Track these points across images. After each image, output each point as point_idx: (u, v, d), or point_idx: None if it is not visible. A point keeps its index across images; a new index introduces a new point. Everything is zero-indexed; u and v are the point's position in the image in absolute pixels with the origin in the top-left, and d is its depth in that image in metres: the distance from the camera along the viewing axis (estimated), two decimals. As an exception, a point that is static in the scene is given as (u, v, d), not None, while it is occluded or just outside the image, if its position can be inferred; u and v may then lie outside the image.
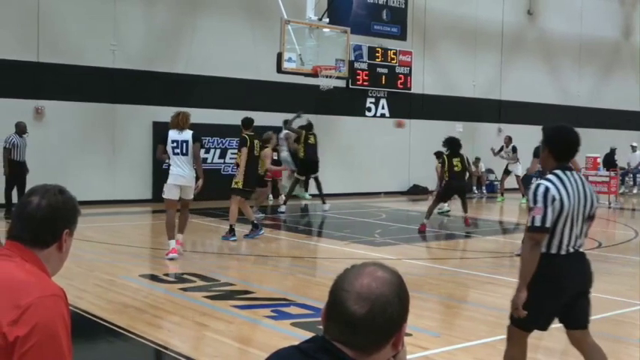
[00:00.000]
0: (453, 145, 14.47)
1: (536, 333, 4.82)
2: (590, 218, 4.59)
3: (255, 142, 12.53)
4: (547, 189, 4.37)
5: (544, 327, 4.67)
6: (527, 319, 4.47)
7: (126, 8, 17.20)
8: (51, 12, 16.12)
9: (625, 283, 9.59)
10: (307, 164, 16.75)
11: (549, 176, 4.49)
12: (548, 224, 4.35)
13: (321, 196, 16.76)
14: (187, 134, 10.32)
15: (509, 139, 21.08)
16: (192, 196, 10.52)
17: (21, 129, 14.46)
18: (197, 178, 10.42)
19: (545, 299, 4.50)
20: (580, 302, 4.61)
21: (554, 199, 4.36)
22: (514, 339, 4.71)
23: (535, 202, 4.38)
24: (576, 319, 4.65)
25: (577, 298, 4.58)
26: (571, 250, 4.50)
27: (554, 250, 4.46)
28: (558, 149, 4.58)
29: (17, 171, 14.02)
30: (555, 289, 4.50)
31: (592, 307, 4.74)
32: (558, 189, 4.39)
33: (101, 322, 6.78)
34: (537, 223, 4.36)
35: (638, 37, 30.09)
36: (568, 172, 4.49)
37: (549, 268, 4.44)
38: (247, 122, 12.65)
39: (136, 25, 17.40)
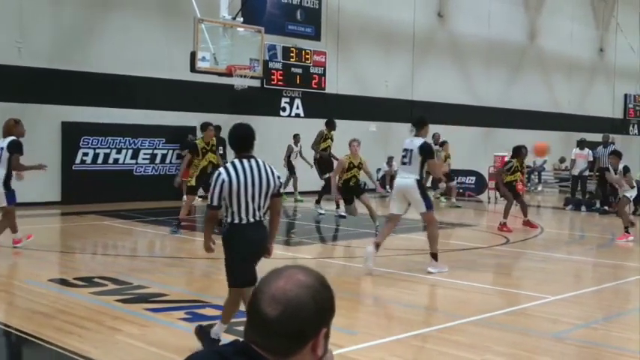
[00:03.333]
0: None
1: (448, 328, 4.91)
2: (275, 195, 5.74)
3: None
4: (219, 174, 5.58)
5: (252, 282, 5.32)
6: (235, 277, 5.72)
7: (33, 3, 16.64)
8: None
9: (532, 278, 9.93)
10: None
11: (226, 164, 5.71)
12: (215, 203, 5.58)
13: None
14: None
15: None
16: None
17: None
18: None
19: (239, 259, 5.68)
20: (255, 263, 5.73)
21: (223, 182, 5.52)
22: (233, 296, 5.84)
23: (212, 186, 5.56)
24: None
25: (257, 258, 5.73)
26: (251, 220, 5.62)
27: (236, 220, 5.60)
28: (233, 143, 5.76)
29: None
30: (241, 249, 5.67)
31: (502, 301, 4.89)
32: (229, 174, 5.53)
33: (8, 329, 6.54)
34: (209, 202, 5.64)
35: (543, 40, 31.26)
36: (245, 160, 5.61)
37: (234, 234, 5.64)
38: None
39: (43, 21, 16.85)
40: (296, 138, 20.23)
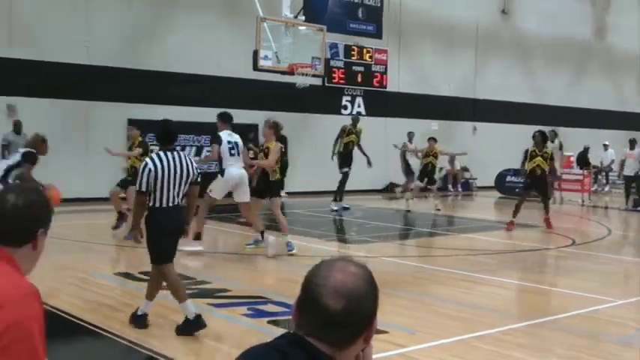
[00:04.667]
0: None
1: (511, 330, 4.84)
2: (193, 183, 6.55)
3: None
4: (146, 164, 6.43)
5: (169, 259, 6.46)
6: (156, 255, 6.45)
7: (100, 3, 17.04)
8: (23, 8, 15.93)
9: (598, 280, 9.69)
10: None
11: (152, 155, 6.57)
12: (143, 189, 6.37)
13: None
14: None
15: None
16: None
17: (17, 127, 15.05)
18: None
19: (159, 238, 6.41)
20: (175, 242, 6.54)
21: (150, 171, 6.34)
22: (155, 273, 6.55)
23: (140, 174, 6.39)
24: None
25: (175, 238, 6.51)
26: (170, 204, 6.40)
27: (157, 204, 6.37)
28: (159, 137, 6.73)
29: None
30: (162, 230, 6.40)
31: (567, 303, 4.78)
32: (155, 164, 6.38)
33: (75, 320, 6.71)
34: (137, 188, 6.46)
35: (610, 38, 30.45)
36: (168, 153, 6.47)
37: (155, 216, 6.41)
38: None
39: (110, 21, 17.24)
40: (410, 135, 20.36)
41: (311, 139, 20.31)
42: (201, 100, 18.64)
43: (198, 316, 6.35)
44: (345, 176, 16.91)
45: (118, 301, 7.55)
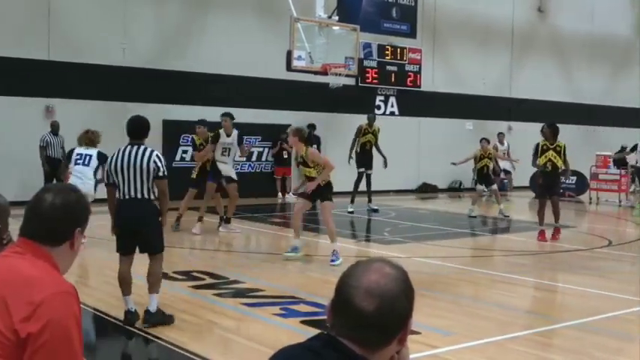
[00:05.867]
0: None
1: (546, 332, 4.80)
2: (157, 178, 6.59)
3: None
4: (106, 158, 6.98)
5: (119, 250, 6.69)
6: (117, 245, 6.67)
7: (136, 5, 17.25)
8: (61, 10, 16.18)
9: (634, 282, 9.54)
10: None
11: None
12: (105, 181, 6.80)
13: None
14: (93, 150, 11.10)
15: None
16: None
17: (55, 128, 15.36)
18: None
19: (117, 229, 6.66)
20: (142, 235, 6.59)
21: (109, 164, 6.67)
22: (120, 261, 6.74)
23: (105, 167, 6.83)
24: (142, 246, 6.65)
25: (138, 231, 6.56)
26: (126, 197, 6.55)
27: (120, 197, 6.58)
28: (127, 131, 6.89)
29: (52, 167, 14.93)
30: (118, 221, 6.61)
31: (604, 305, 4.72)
32: (112, 157, 6.68)
33: (111, 319, 6.80)
34: (105, 180, 6.91)
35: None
36: (129, 147, 6.68)
37: (117, 207, 6.63)
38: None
39: (146, 23, 17.44)
40: (500, 137, 20.23)
41: (345, 139, 20.21)
42: (235, 100, 18.74)
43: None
44: (360, 176, 16.74)
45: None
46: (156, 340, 6.24)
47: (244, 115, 18.93)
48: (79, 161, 10.90)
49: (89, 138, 11.08)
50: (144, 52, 17.35)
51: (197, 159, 13.30)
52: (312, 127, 18.14)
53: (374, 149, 16.85)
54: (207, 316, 7.00)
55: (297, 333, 6.23)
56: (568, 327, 6.91)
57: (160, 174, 6.62)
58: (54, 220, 2.33)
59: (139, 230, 6.57)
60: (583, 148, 25.30)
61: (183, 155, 18.10)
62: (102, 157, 10.73)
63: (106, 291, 7.86)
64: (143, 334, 6.40)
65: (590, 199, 21.17)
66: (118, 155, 6.64)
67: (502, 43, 24.70)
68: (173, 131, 17.92)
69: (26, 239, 2.32)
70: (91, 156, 10.93)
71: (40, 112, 16.09)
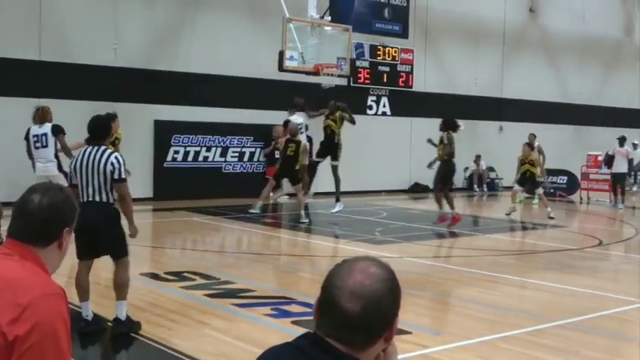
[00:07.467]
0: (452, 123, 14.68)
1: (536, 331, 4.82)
2: (116, 181, 6.33)
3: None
4: (61, 128, 6.86)
5: (79, 256, 6.45)
6: (76, 249, 6.32)
7: (127, 6, 17.20)
8: (53, 11, 16.12)
9: (625, 281, 9.60)
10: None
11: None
12: (72, 182, 6.41)
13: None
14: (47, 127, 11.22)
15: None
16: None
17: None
18: None
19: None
20: (100, 240, 6.37)
21: (71, 165, 6.56)
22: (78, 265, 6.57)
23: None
24: (101, 250, 6.54)
25: (95, 235, 6.28)
26: (86, 200, 6.31)
27: (80, 199, 6.24)
28: (88, 131, 6.66)
29: None
30: (76, 225, 5.92)
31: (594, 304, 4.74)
32: (76, 160, 6.46)
33: (101, 320, 6.78)
34: (68, 182, 6.60)
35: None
36: (90, 148, 6.45)
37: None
38: None
39: (137, 23, 17.39)
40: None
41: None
42: (227, 101, 18.74)
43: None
44: (312, 165, 15.39)
45: (143, 301, 7.62)
46: (145, 340, 6.23)
47: (236, 115, 18.94)
48: (37, 144, 11.10)
49: (40, 115, 11.30)
50: (135, 52, 17.31)
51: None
52: (305, 127, 18.08)
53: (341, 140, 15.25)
54: (198, 317, 7.00)
55: (288, 333, 6.23)
56: (558, 326, 6.93)
57: (116, 177, 6.35)
58: (42, 221, 2.32)
59: (95, 235, 6.29)
60: (574, 148, 25.44)
61: (175, 156, 18.08)
62: (56, 129, 11.07)
63: (96, 291, 7.84)
64: (132, 334, 6.39)
65: (581, 198, 21.25)
66: (79, 156, 6.48)
67: (493, 44, 24.77)
68: (164, 132, 17.89)
69: (14, 240, 2.31)
70: (45, 134, 11.11)
71: (31, 113, 15.99)
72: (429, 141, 15.02)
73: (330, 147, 15.08)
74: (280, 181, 15.17)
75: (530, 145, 17.04)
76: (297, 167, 14.42)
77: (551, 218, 15.87)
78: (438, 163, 14.66)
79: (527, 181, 16.62)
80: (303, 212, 14.25)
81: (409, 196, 21.54)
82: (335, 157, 15.09)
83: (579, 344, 6.35)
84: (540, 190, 16.78)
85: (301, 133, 15.64)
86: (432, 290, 8.48)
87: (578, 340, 6.51)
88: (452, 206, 14.10)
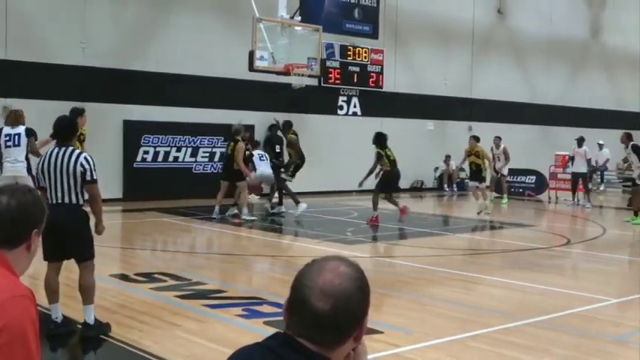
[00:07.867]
0: (381, 139, 15.67)
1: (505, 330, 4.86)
2: (86, 182, 6.23)
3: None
4: (34, 132, 6.71)
5: (47, 258, 6.33)
6: (43, 252, 6.15)
7: (96, 4, 17.03)
8: (19, 9, 15.91)
9: (593, 279, 9.73)
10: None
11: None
12: (39, 184, 6.27)
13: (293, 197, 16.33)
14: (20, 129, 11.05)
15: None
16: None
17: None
18: None
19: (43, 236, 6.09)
20: (68, 241, 6.25)
21: (37, 167, 6.39)
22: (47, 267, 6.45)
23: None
24: (68, 253, 6.40)
25: (64, 236, 6.15)
26: (55, 202, 6.18)
27: (48, 201, 6.03)
28: (54, 133, 6.56)
29: None
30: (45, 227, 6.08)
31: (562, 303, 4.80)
32: (43, 161, 6.32)
33: (69, 321, 6.70)
34: (36, 184, 6.49)
35: (606, 37, 30.52)
36: (57, 149, 6.30)
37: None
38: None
39: (106, 22, 17.22)
40: (495, 140, 19.99)
41: (307, 139, 20.29)
42: (197, 101, 18.65)
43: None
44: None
45: (113, 302, 7.55)
46: (116, 342, 6.18)
47: (206, 115, 18.86)
48: (8, 143, 10.99)
49: (14, 118, 11.19)
50: (104, 51, 17.14)
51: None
52: (275, 127, 18.07)
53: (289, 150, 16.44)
54: (169, 319, 6.96)
55: (260, 334, 6.18)
56: (527, 324, 7.00)
57: (88, 178, 6.25)
58: (10, 223, 2.28)
59: (64, 235, 6.15)
60: (542, 147, 25.72)
61: (145, 156, 17.94)
62: (29, 131, 10.99)
63: (65, 293, 7.75)
64: (102, 336, 6.33)
65: (550, 198, 21.50)
66: (45, 158, 6.33)
67: (463, 44, 24.96)
68: (134, 132, 17.75)
69: (-19, 243, 2.28)
70: (19, 134, 11.01)
71: (-2, 112, 15.79)
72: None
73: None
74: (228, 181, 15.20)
75: (475, 138, 17.48)
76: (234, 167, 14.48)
77: (487, 214, 16.45)
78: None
79: (474, 173, 17.21)
80: (246, 210, 14.67)
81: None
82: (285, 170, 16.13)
83: (547, 342, 6.42)
84: (483, 185, 17.09)
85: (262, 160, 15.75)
86: (404, 290, 8.52)
87: (547, 337, 6.58)
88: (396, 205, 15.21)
